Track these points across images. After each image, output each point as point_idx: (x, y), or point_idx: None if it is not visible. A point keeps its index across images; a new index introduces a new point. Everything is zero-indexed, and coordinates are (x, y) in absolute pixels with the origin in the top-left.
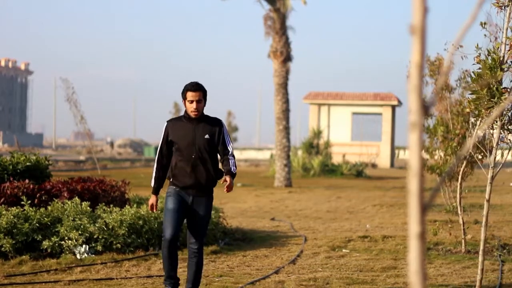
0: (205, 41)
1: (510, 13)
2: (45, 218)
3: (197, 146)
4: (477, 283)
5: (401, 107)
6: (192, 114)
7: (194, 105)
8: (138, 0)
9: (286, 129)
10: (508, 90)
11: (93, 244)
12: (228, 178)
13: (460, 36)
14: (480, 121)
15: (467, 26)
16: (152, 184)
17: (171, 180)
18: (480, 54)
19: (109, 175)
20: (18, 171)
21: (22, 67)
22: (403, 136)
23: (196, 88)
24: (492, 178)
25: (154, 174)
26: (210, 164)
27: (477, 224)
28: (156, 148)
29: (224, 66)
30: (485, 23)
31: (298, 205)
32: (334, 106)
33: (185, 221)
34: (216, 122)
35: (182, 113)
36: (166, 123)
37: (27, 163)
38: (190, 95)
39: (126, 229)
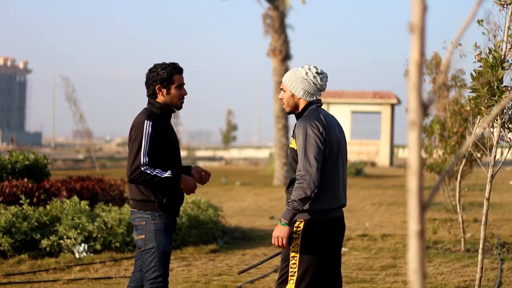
0: (205, 39)
1: None
2: (44, 217)
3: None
4: (477, 282)
5: (400, 106)
6: (180, 103)
7: (184, 90)
8: None
9: (285, 128)
10: (509, 88)
11: (92, 243)
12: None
13: (460, 34)
14: (480, 120)
15: (467, 24)
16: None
17: (163, 204)
18: (481, 52)
19: (108, 174)
20: (17, 170)
21: (21, 65)
22: (403, 135)
23: (182, 68)
24: (492, 176)
25: None
26: None
27: (476, 222)
28: None
29: (224, 65)
30: (482, 20)
31: None
32: (333, 105)
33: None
34: None
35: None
36: (150, 122)
37: (26, 162)
38: (179, 78)
39: (125, 228)
